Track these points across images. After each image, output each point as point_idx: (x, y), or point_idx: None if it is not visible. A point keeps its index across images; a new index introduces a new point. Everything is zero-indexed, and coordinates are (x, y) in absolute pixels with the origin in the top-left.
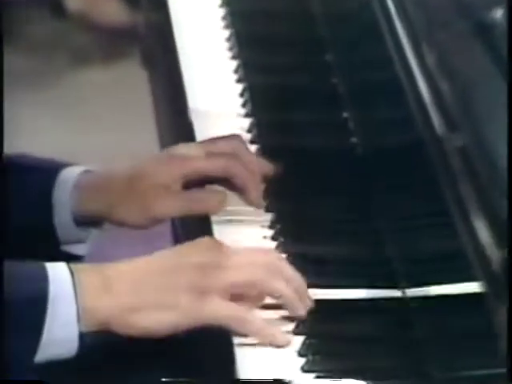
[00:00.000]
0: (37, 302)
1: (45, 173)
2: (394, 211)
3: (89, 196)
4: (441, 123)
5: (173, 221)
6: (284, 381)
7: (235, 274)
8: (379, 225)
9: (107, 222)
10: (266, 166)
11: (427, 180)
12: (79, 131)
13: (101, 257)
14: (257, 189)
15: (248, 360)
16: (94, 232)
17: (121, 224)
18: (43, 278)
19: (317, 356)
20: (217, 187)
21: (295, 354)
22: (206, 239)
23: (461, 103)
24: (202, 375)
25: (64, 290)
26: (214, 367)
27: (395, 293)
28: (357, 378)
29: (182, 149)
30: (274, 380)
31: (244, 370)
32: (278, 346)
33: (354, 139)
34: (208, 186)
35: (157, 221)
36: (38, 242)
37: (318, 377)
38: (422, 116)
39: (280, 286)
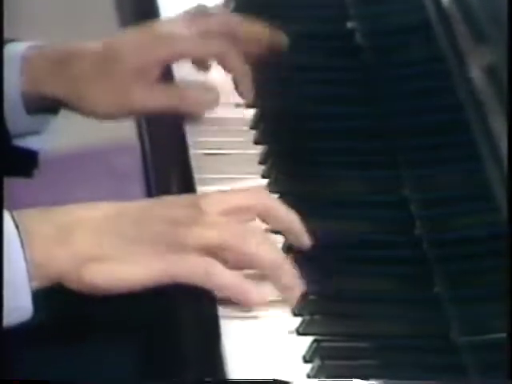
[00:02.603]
0: None
1: None
2: (414, 150)
3: (45, 74)
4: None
5: (144, 158)
6: (276, 380)
7: (210, 235)
8: (396, 161)
9: (68, 108)
10: (275, 35)
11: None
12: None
13: (63, 195)
14: (248, 79)
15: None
16: (50, 122)
17: (85, 112)
18: None
19: (315, 316)
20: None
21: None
22: (183, 196)
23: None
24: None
25: (10, 249)
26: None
27: (412, 239)
28: (362, 345)
29: (165, 26)
30: (267, 380)
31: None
32: (252, 304)
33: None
34: (196, 80)
35: (131, 113)
36: None
37: (315, 340)
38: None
39: (262, 253)
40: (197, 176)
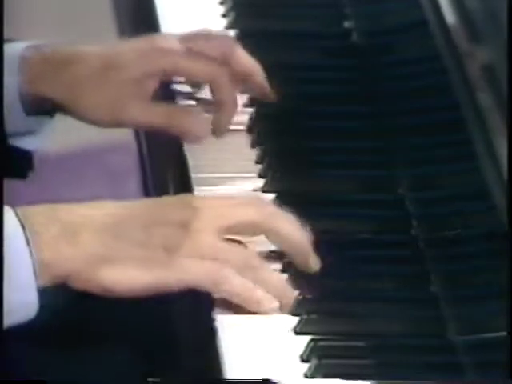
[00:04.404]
0: None
1: None
2: (411, 149)
3: (43, 75)
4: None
5: (141, 157)
6: (272, 381)
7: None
8: (393, 160)
9: (63, 111)
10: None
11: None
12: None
13: (59, 194)
14: (231, 113)
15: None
16: (47, 123)
17: (79, 117)
18: None
19: (312, 315)
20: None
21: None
22: (186, 196)
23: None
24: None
25: (16, 247)
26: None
27: (408, 238)
28: (359, 344)
29: (163, 41)
30: (264, 380)
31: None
32: (262, 312)
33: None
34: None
35: (122, 125)
36: None
37: (312, 340)
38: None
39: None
40: (193, 175)
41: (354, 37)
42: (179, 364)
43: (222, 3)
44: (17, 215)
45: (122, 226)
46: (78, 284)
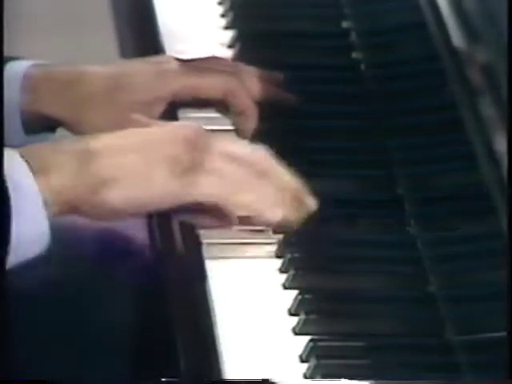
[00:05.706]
0: None
1: None
2: (410, 149)
3: (47, 94)
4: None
5: None
6: (271, 381)
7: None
8: (392, 160)
9: (66, 128)
10: (274, 78)
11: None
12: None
13: None
14: (254, 118)
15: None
16: (48, 139)
17: (84, 133)
18: None
19: (311, 315)
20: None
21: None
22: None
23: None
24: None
25: (22, 181)
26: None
27: (407, 238)
28: (358, 344)
29: (171, 63)
30: (263, 380)
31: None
32: None
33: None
34: None
35: None
36: None
37: (311, 340)
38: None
39: None
40: None
41: (353, 37)
42: (179, 365)
43: (220, 3)
44: (21, 155)
45: (126, 145)
46: (88, 211)
